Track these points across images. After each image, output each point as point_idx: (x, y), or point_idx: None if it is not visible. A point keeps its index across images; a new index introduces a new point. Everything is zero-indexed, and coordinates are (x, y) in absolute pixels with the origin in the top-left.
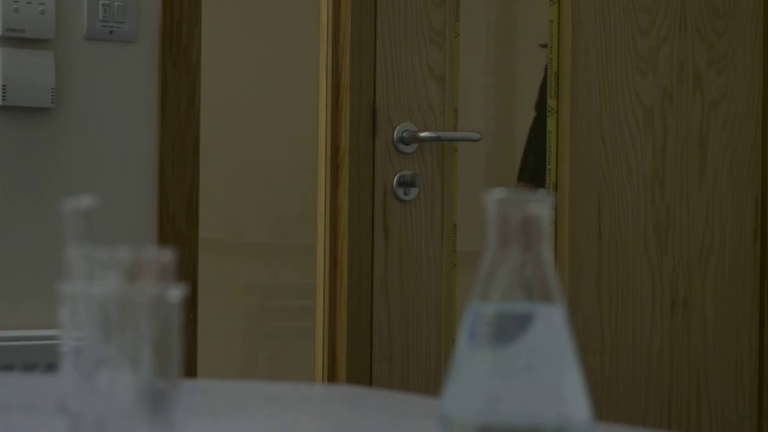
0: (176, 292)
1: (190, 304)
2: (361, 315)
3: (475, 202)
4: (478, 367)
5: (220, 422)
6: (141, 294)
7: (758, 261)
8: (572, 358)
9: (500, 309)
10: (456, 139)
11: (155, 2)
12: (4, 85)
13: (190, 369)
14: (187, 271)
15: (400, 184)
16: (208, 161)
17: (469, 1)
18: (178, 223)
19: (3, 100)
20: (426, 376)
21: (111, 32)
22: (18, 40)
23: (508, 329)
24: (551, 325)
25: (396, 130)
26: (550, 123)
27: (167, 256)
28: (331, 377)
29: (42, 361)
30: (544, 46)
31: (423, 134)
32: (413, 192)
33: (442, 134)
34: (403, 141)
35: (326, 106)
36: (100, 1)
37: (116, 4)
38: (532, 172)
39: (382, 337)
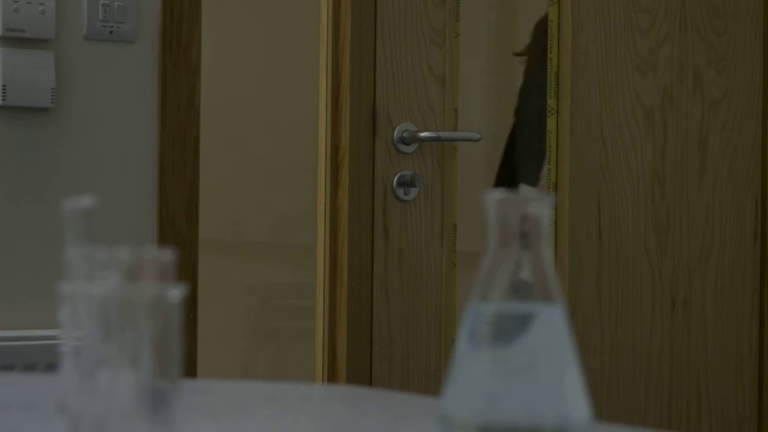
0: (176, 292)
1: (190, 304)
2: (361, 315)
3: (475, 202)
4: (478, 367)
5: (220, 422)
6: (141, 294)
7: (758, 261)
8: (572, 358)
9: (500, 309)
10: (456, 139)
11: (155, 2)
12: (4, 85)
13: (190, 369)
14: (187, 271)
15: (400, 184)
16: (208, 161)
17: (469, 1)
18: (178, 223)
19: (3, 100)
20: (426, 376)
21: (111, 32)
22: (18, 40)
23: (508, 329)
24: (551, 325)
25: (396, 130)
26: (550, 123)
27: (167, 256)
28: (331, 377)
29: (42, 361)
30: (519, 54)
31: (423, 134)
32: (413, 192)
33: (442, 134)
34: (403, 141)
35: (326, 106)
36: (100, 1)
37: (116, 4)
38: (508, 184)
39: (382, 337)
